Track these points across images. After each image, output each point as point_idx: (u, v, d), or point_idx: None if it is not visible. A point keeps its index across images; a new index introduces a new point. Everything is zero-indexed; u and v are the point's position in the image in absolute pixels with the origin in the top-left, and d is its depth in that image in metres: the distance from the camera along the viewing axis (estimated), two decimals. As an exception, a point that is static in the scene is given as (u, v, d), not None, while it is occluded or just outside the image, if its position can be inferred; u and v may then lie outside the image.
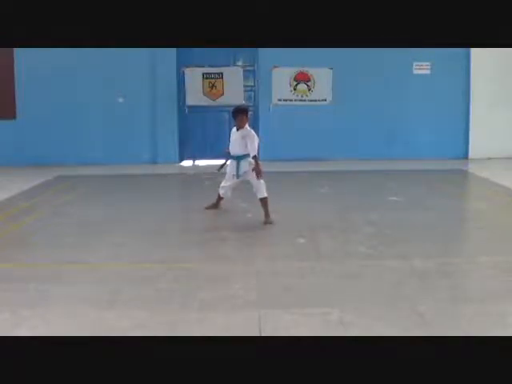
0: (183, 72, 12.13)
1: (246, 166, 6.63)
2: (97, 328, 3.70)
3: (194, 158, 12.31)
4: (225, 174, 6.96)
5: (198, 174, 10.67)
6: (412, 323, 3.73)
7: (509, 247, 5.61)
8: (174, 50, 11.80)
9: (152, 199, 8.31)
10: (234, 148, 6.72)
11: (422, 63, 12.19)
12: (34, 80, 11.79)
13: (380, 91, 12.17)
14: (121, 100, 12.02)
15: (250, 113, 6.84)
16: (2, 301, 4.25)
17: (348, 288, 4.43)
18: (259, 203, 6.63)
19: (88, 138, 11.98)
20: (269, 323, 3.74)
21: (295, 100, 12.29)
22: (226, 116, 11.51)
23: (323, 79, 12.20)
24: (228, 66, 12.16)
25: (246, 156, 6.61)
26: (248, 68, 12.30)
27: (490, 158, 12.06)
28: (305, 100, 12.30)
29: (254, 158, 6.50)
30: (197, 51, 11.69)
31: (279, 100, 12.27)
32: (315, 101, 12.29)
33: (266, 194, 6.60)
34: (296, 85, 12.24)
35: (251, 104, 12.18)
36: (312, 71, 12.22)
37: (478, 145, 12.22)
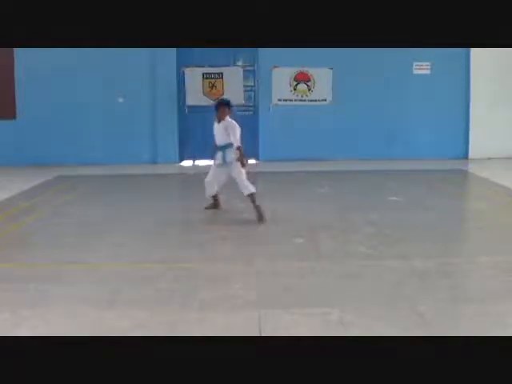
0: (183, 72, 12.12)
1: (232, 154, 6.68)
2: (97, 328, 3.70)
3: (194, 158, 12.29)
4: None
5: (198, 174, 10.62)
6: (412, 323, 3.73)
7: (509, 247, 5.62)
8: (173, 50, 11.79)
9: (152, 199, 8.31)
10: (218, 139, 6.82)
11: (422, 63, 12.18)
12: (34, 80, 11.78)
13: (380, 91, 12.17)
14: (121, 100, 12.01)
15: (232, 107, 6.89)
16: (2, 301, 4.25)
17: (348, 288, 4.43)
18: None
19: (88, 137, 11.98)
20: (269, 323, 3.74)
21: (295, 100, 12.27)
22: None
23: (323, 79, 12.19)
24: (228, 66, 12.15)
25: (230, 145, 6.67)
26: (248, 68, 12.29)
27: (489, 158, 12.06)
28: (305, 100, 12.29)
29: (238, 148, 6.56)
30: (197, 51, 11.69)
31: (279, 100, 12.25)
32: (315, 101, 12.28)
33: (252, 190, 6.62)
34: (296, 85, 12.24)
35: (251, 104, 12.20)
36: (312, 71, 12.21)
37: (477, 145, 12.22)
